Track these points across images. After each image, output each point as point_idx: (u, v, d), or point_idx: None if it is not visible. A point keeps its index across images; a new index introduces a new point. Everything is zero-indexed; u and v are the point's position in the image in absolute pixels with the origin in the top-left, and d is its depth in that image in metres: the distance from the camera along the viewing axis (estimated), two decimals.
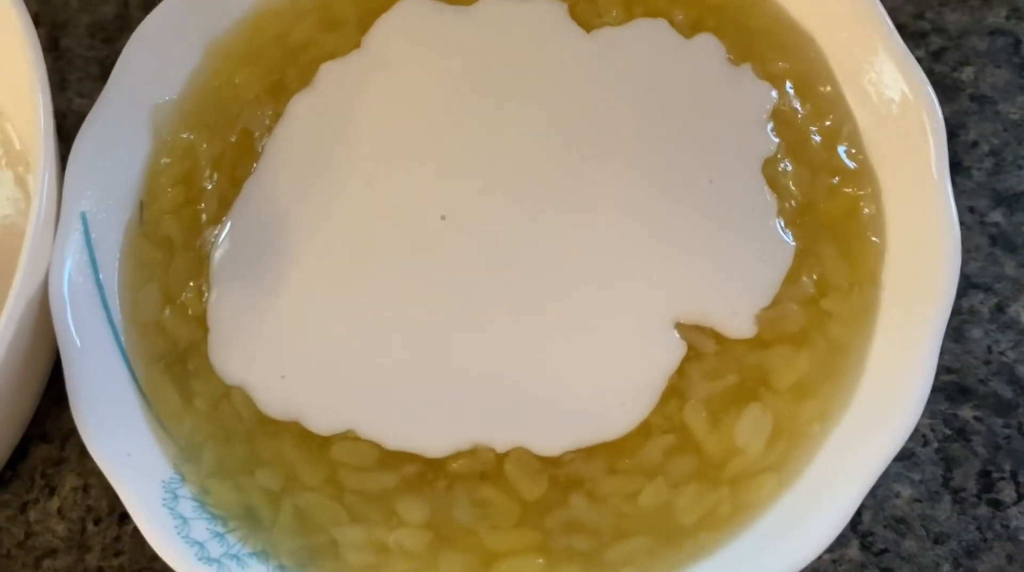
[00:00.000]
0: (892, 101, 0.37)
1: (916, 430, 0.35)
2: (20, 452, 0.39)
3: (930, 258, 0.34)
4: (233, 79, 0.40)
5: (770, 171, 0.37)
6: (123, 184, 0.39)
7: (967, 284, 0.39)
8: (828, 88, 0.38)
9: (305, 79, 0.40)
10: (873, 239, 0.36)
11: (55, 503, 0.39)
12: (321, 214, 0.38)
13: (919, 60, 0.41)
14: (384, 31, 0.40)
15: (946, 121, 0.39)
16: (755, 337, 0.35)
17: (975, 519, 0.37)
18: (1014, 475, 0.37)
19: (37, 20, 0.39)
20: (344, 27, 0.41)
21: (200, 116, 0.40)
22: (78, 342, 0.36)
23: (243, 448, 0.36)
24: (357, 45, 0.40)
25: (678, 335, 0.36)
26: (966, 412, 0.38)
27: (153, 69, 0.40)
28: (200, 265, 0.38)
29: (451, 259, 0.37)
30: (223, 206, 0.39)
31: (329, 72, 0.40)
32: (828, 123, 0.38)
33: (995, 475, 0.37)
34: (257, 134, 0.40)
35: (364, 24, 0.40)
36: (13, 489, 0.39)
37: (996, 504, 0.37)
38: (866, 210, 0.36)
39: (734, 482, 0.34)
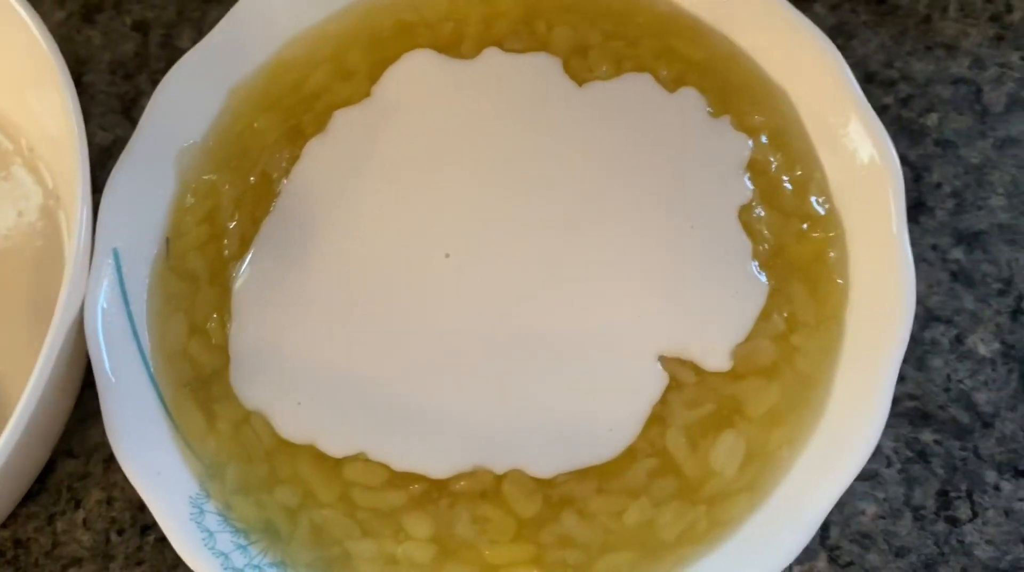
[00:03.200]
0: (858, 156, 0.37)
1: (880, 452, 0.37)
2: (48, 467, 0.40)
3: (889, 302, 0.35)
4: (253, 124, 0.41)
5: (745, 217, 0.38)
6: (151, 222, 0.40)
7: (929, 317, 0.40)
8: (800, 141, 0.39)
9: (320, 125, 0.40)
10: (838, 281, 0.37)
11: (81, 515, 0.40)
12: (333, 252, 0.39)
13: (887, 106, 0.42)
14: (392, 81, 0.41)
15: (911, 164, 0.40)
16: (731, 370, 0.36)
17: (933, 535, 0.38)
18: (969, 494, 0.38)
19: None
20: (356, 77, 0.41)
21: (223, 159, 0.40)
22: (112, 371, 0.37)
23: (263, 468, 0.37)
24: (368, 94, 0.41)
25: (661, 367, 0.36)
26: (927, 436, 0.39)
27: (179, 114, 0.40)
28: (223, 298, 0.39)
29: (453, 295, 0.38)
30: (244, 243, 0.39)
31: (342, 119, 0.41)
32: (799, 173, 0.38)
33: (952, 494, 0.38)
34: (275, 176, 0.40)
35: (374, 74, 0.41)
36: (41, 501, 0.40)
37: (953, 521, 0.38)
38: (832, 254, 0.37)
39: (711, 501, 0.35)
